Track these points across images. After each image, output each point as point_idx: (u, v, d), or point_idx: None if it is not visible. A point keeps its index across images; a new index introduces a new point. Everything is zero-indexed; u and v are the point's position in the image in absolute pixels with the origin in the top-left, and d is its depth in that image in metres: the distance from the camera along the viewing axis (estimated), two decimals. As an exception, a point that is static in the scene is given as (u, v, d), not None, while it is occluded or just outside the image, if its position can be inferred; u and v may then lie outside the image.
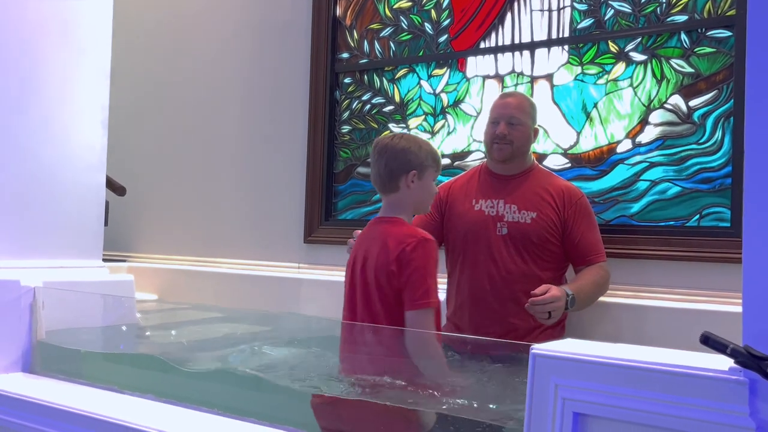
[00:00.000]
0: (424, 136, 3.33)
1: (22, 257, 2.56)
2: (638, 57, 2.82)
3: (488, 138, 2.60)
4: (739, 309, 1.10)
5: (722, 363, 1.09)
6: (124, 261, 4.05)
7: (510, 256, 2.49)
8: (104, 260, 2.95)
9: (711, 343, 1.03)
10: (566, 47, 2.99)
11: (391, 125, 3.46)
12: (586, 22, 2.94)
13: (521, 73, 3.09)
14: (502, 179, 2.60)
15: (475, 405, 1.73)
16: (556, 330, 2.49)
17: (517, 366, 1.86)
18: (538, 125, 2.67)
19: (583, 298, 2.41)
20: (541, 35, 3.05)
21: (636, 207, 2.79)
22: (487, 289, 2.48)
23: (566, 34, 2.98)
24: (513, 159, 2.56)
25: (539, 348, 1.25)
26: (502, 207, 2.54)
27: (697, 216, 2.67)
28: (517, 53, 3.11)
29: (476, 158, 3.16)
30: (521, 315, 2.40)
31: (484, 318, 2.48)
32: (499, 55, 3.16)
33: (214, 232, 4.01)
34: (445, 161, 3.24)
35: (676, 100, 2.73)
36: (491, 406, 1.72)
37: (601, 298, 2.67)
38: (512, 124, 2.53)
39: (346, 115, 3.61)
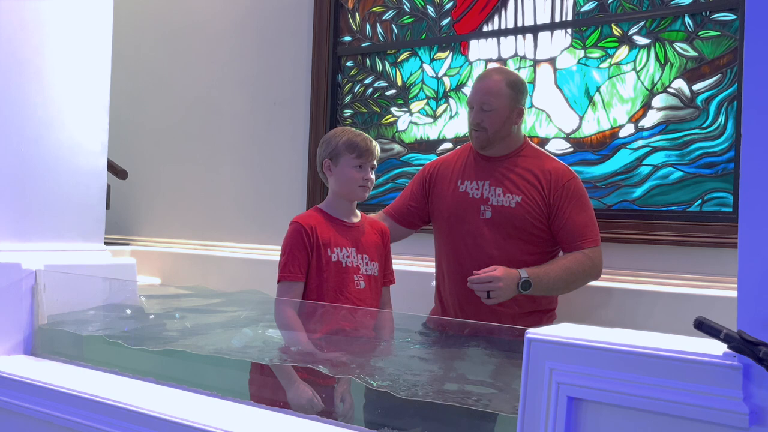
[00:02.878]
0: (426, 120, 3.33)
1: (24, 240, 2.57)
2: (642, 40, 2.79)
3: (468, 123, 2.52)
4: (737, 294, 1.10)
5: (716, 348, 1.09)
6: (127, 245, 4.06)
7: (494, 240, 2.41)
8: (106, 244, 2.96)
9: (705, 328, 1.03)
10: (569, 31, 2.97)
11: (393, 109, 3.45)
12: (590, 5, 2.91)
13: (524, 57, 3.07)
14: (490, 160, 2.50)
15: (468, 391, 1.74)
16: (543, 318, 2.45)
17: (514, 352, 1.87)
18: (524, 105, 2.48)
19: (547, 282, 2.30)
20: (544, 18, 3.03)
21: (638, 192, 2.78)
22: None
23: (569, 18, 2.96)
24: (491, 145, 2.46)
25: (534, 332, 1.25)
26: (488, 189, 2.45)
27: (700, 201, 2.66)
28: (520, 37, 3.09)
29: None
30: (507, 302, 2.32)
31: (468, 303, 2.40)
32: (502, 39, 3.14)
33: (216, 215, 4.01)
34: (447, 145, 3.23)
35: (680, 84, 2.71)
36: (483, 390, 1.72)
37: (601, 283, 2.65)
38: (485, 111, 2.42)
39: (348, 98, 3.60)
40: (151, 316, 2.84)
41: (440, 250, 2.58)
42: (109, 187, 3.22)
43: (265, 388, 2.10)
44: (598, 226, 2.44)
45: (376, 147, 2.31)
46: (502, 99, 2.42)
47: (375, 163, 2.30)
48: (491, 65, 3.13)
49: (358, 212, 2.37)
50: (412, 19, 3.40)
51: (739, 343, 0.98)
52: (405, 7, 3.42)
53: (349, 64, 3.61)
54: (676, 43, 2.73)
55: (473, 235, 2.44)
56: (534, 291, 2.29)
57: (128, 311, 2.73)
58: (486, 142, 2.45)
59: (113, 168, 3.76)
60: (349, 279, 2.23)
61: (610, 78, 2.86)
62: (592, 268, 2.39)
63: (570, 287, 2.41)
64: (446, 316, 2.49)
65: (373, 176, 2.29)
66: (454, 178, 2.54)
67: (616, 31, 2.85)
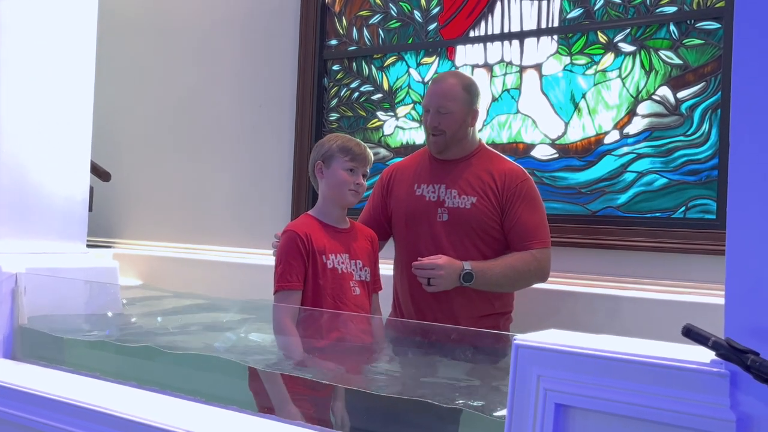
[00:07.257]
0: (413, 125, 3.33)
1: (4, 242, 2.53)
2: (627, 48, 2.81)
3: (424, 126, 2.52)
4: (723, 301, 1.10)
5: (704, 355, 1.09)
6: (110, 247, 4.02)
7: (450, 243, 2.40)
8: (89, 246, 2.93)
9: (693, 335, 1.03)
10: (555, 37, 2.98)
11: (379, 113, 3.45)
12: (576, 12, 2.93)
13: (510, 63, 3.08)
14: (445, 163, 2.50)
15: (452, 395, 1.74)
16: (500, 321, 2.46)
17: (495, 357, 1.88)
18: (478, 107, 2.49)
19: (490, 277, 2.31)
20: (530, 24, 3.04)
21: (622, 198, 2.79)
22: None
23: (556, 24, 2.97)
24: (449, 148, 2.47)
25: (522, 338, 1.24)
26: (444, 192, 2.45)
27: (683, 208, 2.68)
28: (506, 42, 3.10)
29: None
30: (463, 303, 2.35)
31: (427, 305, 2.41)
32: (489, 44, 3.14)
33: (200, 218, 3.98)
34: (433, 150, 3.23)
35: (664, 91, 2.73)
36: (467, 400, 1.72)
37: (586, 290, 2.67)
38: (441, 113, 2.43)
39: (334, 102, 3.59)
40: (133, 320, 2.81)
41: (399, 254, 2.57)
42: (92, 189, 3.18)
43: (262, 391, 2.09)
44: (549, 229, 2.46)
45: (371, 155, 2.31)
46: (458, 102, 2.43)
47: (367, 170, 2.30)
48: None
49: (347, 219, 2.36)
50: (398, 23, 3.40)
51: (728, 351, 0.99)
52: (392, 11, 3.41)
53: (336, 67, 3.60)
54: (661, 51, 2.74)
55: (431, 237, 2.44)
56: (476, 284, 2.30)
57: (110, 314, 2.71)
58: (444, 145, 2.47)
59: (96, 170, 3.72)
60: (346, 286, 2.22)
61: (595, 85, 2.87)
62: (539, 269, 2.40)
63: (514, 285, 2.44)
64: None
65: (364, 183, 2.29)
66: (410, 182, 2.55)
67: (601, 38, 2.87)
